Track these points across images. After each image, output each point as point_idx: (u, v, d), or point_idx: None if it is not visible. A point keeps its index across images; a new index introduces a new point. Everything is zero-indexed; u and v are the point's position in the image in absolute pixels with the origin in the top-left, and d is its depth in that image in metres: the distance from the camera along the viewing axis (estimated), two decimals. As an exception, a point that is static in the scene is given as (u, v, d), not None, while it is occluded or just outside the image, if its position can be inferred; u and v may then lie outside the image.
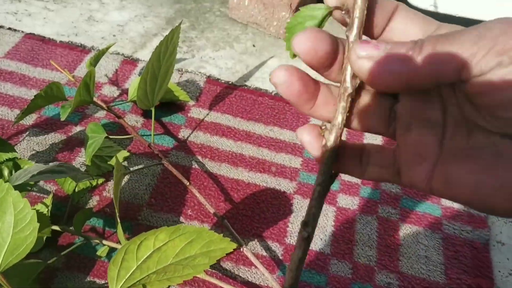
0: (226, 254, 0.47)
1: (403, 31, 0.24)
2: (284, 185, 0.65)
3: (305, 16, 0.25)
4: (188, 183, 0.58)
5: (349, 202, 0.64)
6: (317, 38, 0.23)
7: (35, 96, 0.58)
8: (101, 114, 0.70)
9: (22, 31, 0.82)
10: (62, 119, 0.55)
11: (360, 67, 0.22)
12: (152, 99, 0.59)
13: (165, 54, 0.57)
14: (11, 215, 0.41)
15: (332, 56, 0.24)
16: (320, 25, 0.25)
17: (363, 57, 0.22)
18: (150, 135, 0.68)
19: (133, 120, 0.70)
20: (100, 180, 0.61)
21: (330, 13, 0.25)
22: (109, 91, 0.74)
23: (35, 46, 0.79)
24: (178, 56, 0.83)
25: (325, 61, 0.24)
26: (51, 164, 0.49)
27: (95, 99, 0.67)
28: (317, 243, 0.60)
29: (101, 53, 0.65)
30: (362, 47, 0.22)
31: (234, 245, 0.47)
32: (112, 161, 0.64)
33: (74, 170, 0.50)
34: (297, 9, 0.87)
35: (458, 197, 0.23)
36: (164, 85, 0.60)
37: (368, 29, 0.25)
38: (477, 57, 0.20)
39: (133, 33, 0.87)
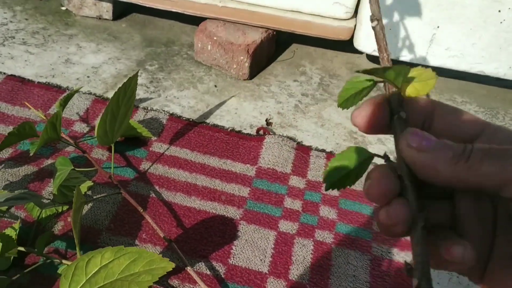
0: (168, 272, 0.54)
1: (453, 125, 0.25)
2: (232, 212, 0.73)
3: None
4: (142, 210, 0.66)
5: (289, 227, 0.72)
6: (373, 113, 0.25)
7: (8, 133, 0.66)
8: (70, 148, 0.79)
9: (4, 73, 0.91)
10: (31, 154, 0.63)
11: (409, 156, 0.24)
12: (111, 136, 0.68)
13: (124, 98, 0.66)
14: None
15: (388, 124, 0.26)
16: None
17: (413, 148, 0.23)
18: (114, 167, 0.76)
19: (99, 153, 0.79)
20: (65, 207, 0.69)
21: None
22: (80, 127, 0.83)
23: (15, 87, 0.88)
24: (145, 95, 0.92)
25: (383, 130, 0.26)
26: (16, 192, 0.57)
27: (65, 135, 0.76)
28: (256, 263, 0.67)
29: (70, 95, 0.74)
30: (413, 138, 0.24)
31: (173, 265, 0.55)
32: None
33: (35, 197, 0.58)
34: (254, 54, 0.97)
35: None
36: (123, 125, 0.69)
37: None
38: (506, 187, 0.21)
39: (106, 74, 0.96)
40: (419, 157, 0.23)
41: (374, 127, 0.25)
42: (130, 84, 0.66)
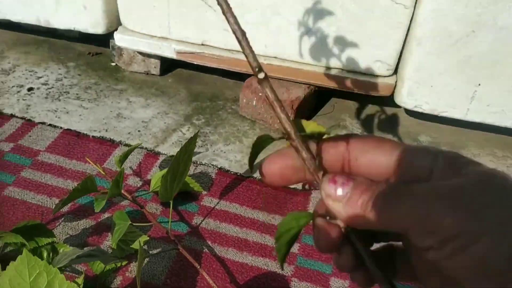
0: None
1: (370, 164, 0.25)
2: (284, 268, 0.74)
3: (289, 223, 0.27)
4: (199, 267, 0.68)
5: (340, 285, 0.73)
6: (283, 167, 0.27)
7: (73, 189, 0.69)
8: (125, 202, 0.81)
9: (61, 127, 0.95)
10: (97, 211, 0.66)
11: (329, 206, 0.25)
12: (171, 193, 0.70)
13: (183, 158, 0.69)
14: (56, 295, 0.51)
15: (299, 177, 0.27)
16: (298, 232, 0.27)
17: (329, 197, 0.24)
18: (168, 221, 0.79)
19: (153, 208, 0.81)
20: (124, 262, 0.71)
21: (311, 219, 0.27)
22: (133, 181, 0.86)
23: (71, 141, 0.92)
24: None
25: (291, 182, 0.27)
26: (85, 249, 0.59)
27: (122, 190, 0.78)
28: (311, 322, 0.67)
29: (128, 152, 0.78)
30: (328, 187, 0.25)
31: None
32: (135, 245, 0.74)
33: (104, 254, 0.60)
34: (297, 110, 1.00)
35: None
36: (181, 182, 0.71)
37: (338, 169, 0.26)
38: (409, 233, 0.21)
39: (155, 128, 1.00)
40: (335, 207, 0.24)
41: (284, 180, 0.26)
42: (190, 145, 0.69)
